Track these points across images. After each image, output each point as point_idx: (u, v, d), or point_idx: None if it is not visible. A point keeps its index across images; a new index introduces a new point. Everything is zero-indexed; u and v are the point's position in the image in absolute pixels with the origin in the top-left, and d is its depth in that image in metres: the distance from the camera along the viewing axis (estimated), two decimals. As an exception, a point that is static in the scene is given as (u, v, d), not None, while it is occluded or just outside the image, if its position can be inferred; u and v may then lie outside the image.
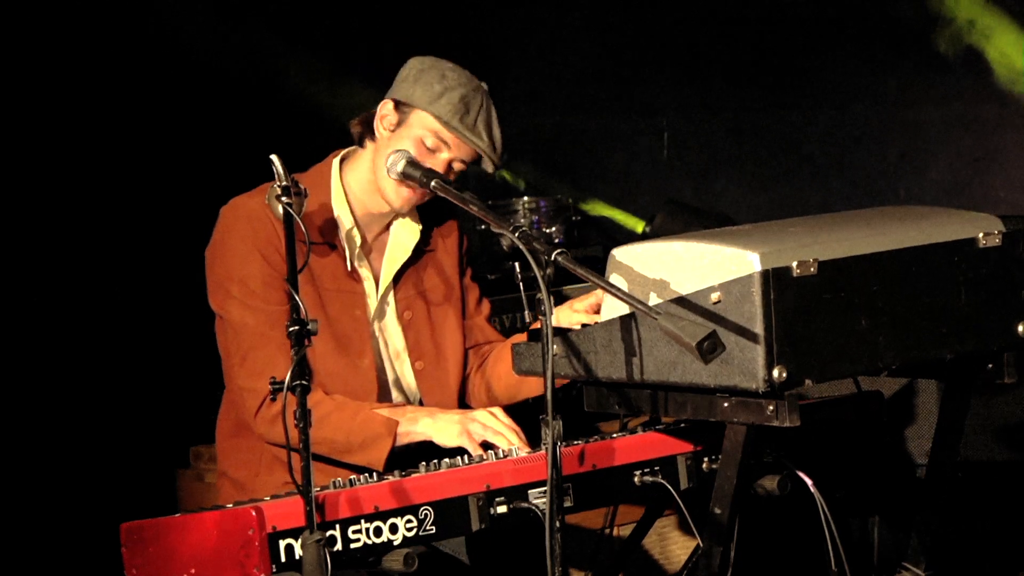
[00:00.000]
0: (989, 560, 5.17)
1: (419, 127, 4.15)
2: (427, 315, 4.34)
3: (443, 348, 4.34)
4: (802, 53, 6.87)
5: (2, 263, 5.83)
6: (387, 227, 4.31)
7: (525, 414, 4.16)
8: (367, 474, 3.82)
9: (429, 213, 4.34)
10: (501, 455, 3.93)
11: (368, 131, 4.22)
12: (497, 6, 7.14)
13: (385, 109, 4.19)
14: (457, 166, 4.19)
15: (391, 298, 4.31)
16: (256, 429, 4.15)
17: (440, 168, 4.16)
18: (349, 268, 4.25)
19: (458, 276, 4.40)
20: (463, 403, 4.40)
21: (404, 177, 4.11)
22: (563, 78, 7.16)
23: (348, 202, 4.25)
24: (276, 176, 3.71)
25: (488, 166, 4.20)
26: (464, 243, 4.44)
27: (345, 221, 4.25)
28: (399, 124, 4.17)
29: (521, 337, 4.15)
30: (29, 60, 5.97)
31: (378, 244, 4.32)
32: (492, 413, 4.10)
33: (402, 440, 4.11)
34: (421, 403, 4.33)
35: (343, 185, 4.26)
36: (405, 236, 4.32)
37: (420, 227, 4.32)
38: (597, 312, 4.10)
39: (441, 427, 4.10)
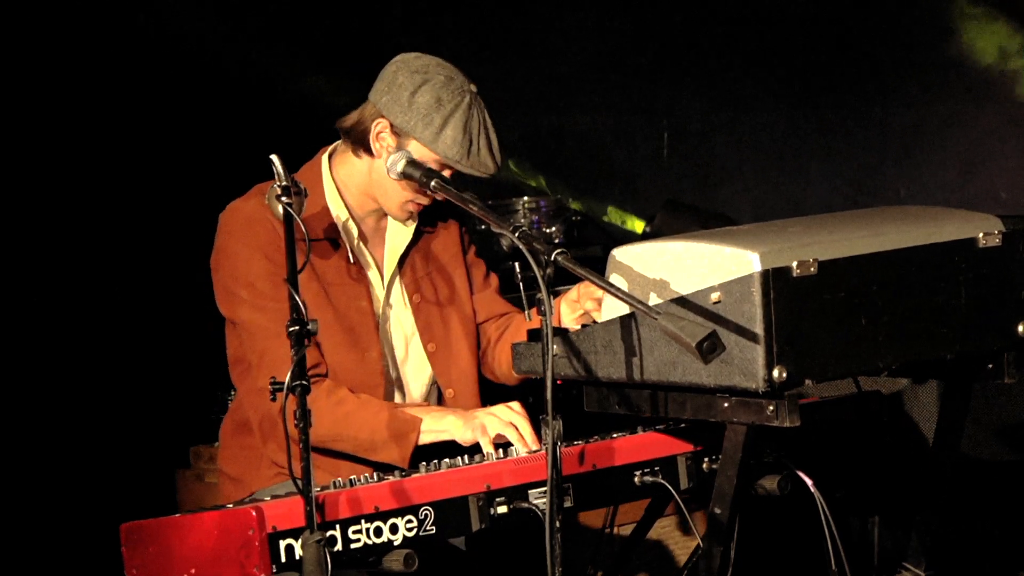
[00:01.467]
0: (989, 560, 5.17)
1: (419, 155, 4.14)
2: (435, 297, 4.34)
3: (454, 328, 4.34)
4: (802, 53, 6.87)
5: (2, 263, 5.83)
6: (384, 216, 4.30)
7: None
8: (367, 474, 3.82)
9: None
10: (502, 455, 3.93)
11: (362, 145, 4.21)
12: (497, 6, 7.14)
13: (381, 129, 4.16)
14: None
15: (398, 284, 4.32)
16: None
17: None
18: (351, 261, 4.25)
19: (461, 254, 4.40)
20: (481, 380, 4.40)
21: (404, 177, 4.11)
22: (563, 78, 7.16)
23: (341, 196, 4.26)
24: (276, 176, 3.70)
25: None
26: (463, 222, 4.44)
27: (340, 215, 4.25)
28: (398, 148, 4.16)
29: (521, 334, 4.15)
30: (27, 60, 5.97)
31: (377, 234, 4.32)
32: (509, 407, 4.10)
33: (426, 438, 4.11)
34: (439, 392, 4.33)
35: (335, 180, 4.27)
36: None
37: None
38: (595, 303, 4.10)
39: (462, 424, 4.10)
